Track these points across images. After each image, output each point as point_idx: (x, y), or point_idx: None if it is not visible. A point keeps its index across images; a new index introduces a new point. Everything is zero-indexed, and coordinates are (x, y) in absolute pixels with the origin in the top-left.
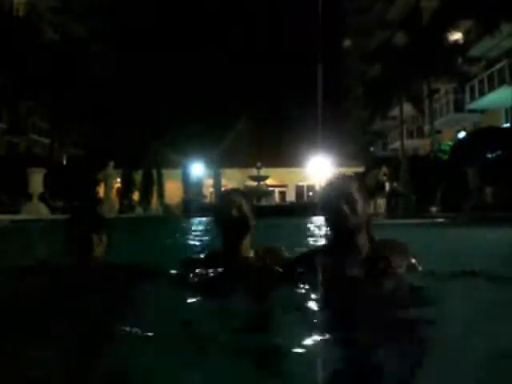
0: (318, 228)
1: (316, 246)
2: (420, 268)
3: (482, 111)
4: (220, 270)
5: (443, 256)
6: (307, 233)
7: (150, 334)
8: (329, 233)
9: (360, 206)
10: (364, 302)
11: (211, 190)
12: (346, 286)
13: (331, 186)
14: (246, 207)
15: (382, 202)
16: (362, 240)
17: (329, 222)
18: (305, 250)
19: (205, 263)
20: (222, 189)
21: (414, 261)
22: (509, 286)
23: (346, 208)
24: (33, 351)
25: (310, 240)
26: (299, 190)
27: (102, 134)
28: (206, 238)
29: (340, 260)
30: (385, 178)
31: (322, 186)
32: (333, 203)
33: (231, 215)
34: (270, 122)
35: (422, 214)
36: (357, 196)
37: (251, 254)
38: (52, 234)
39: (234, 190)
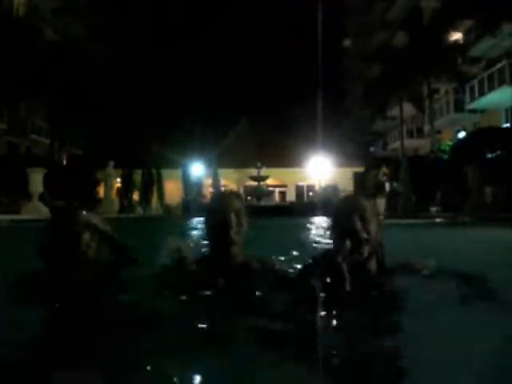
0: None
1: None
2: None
3: (482, 111)
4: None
5: (443, 257)
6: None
7: None
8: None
9: (373, 228)
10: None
11: (210, 190)
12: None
13: (346, 199)
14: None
15: (382, 202)
16: (372, 265)
17: (336, 235)
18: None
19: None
20: (222, 188)
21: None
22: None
23: (358, 222)
24: None
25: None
26: (299, 190)
27: (101, 133)
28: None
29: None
30: (385, 178)
31: (336, 201)
32: (345, 215)
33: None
34: (270, 122)
35: (421, 213)
36: (370, 216)
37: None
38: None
39: (232, 192)
